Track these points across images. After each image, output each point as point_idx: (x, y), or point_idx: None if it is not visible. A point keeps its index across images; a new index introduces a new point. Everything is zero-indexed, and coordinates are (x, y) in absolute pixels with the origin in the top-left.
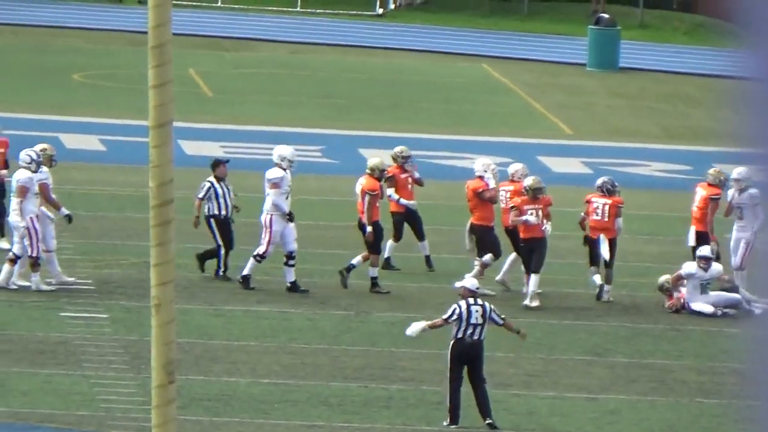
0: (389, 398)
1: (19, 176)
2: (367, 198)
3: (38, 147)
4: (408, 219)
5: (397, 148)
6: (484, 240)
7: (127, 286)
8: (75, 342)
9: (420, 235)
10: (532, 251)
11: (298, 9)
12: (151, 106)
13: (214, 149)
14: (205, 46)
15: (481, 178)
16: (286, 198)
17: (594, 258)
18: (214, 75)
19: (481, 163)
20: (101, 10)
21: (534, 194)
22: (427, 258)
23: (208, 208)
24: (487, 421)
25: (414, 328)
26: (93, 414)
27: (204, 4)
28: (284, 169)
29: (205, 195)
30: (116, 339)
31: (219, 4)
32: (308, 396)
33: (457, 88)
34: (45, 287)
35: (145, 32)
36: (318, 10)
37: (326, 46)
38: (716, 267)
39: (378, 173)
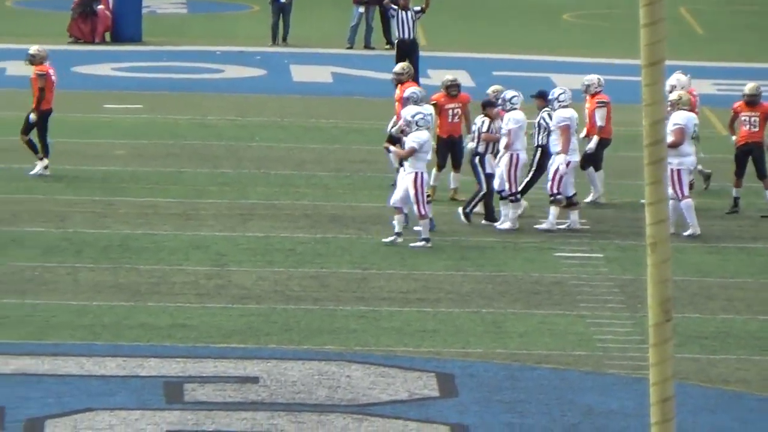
0: None
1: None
2: None
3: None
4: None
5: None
6: None
7: (621, 225)
8: (570, 282)
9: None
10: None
11: None
12: (643, 44)
13: (705, 87)
14: None
15: None
16: None
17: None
18: (706, 13)
19: None
20: None
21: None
22: None
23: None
24: None
25: None
26: (590, 354)
27: None
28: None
29: None
30: (612, 278)
31: None
32: None
33: None
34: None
35: None
36: None
37: None
38: None
39: None
